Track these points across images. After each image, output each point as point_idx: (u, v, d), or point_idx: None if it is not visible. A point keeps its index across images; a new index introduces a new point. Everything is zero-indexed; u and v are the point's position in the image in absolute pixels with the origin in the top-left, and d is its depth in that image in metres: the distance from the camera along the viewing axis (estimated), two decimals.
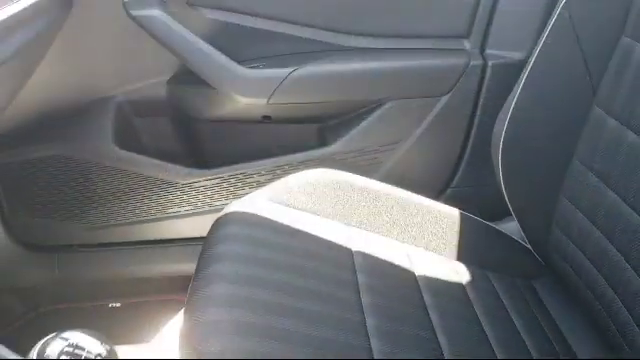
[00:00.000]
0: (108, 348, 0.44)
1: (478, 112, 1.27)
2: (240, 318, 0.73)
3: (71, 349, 0.42)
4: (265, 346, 0.69)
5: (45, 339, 0.43)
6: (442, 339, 0.80)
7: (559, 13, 0.96)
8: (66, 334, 0.44)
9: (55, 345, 0.42)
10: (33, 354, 0.42)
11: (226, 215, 0.95)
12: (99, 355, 0.43)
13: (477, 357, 0.80)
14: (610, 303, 0.82)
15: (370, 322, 0.78)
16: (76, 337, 0.43)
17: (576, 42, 0.94)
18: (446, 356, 0.77)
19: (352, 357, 0.71)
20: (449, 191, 1.35)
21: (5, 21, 0.70)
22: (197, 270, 0.86)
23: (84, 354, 0.42)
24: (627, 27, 0.87)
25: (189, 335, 0.72)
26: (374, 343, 0.75)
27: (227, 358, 0.67)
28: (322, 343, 0.72)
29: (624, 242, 0.80)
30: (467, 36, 1.24)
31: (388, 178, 1.17)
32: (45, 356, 0.41)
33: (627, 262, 0.78)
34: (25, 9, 0.76)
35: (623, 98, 0.85)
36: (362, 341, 0.74)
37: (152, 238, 1.34)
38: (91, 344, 0.43)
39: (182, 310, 0.82)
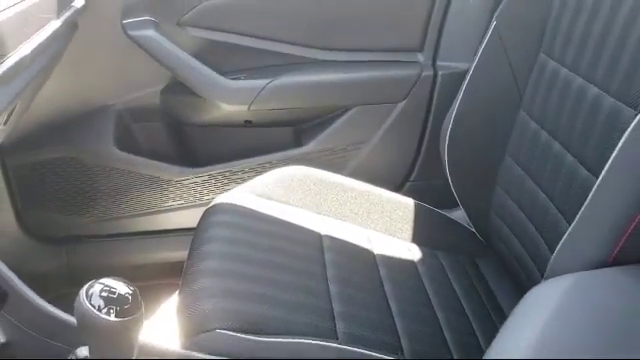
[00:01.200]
0: (132, 289, 0.59)
1: (430, 116, 1.40)
2: (226, 286, 0.88)
3: (107, 288, 0.56)
4: (246, 307, 0.84)
5: (87, 285, 0.58)
6: (392, 303, 0.95)
7: (491, 32, 1.11)
8: (101, 280, 0.58)
9: (96, 287, 0.57)
10: (82, 294, 0.56)
11: (214, 206, 1.10)
12: (128, 293, 0.58)
13: (422, 317, 0.96)
14: (531, 274, 0.98)
15: (333, 289, 0.93)
16: (108, 282, 0.58)
17: (505, 57, 1.10)
18: (394, 316, 0.93)
19: (317, 316, 0.87)
20: (407, 184, 1.47)
21: (35, 47, 0.85)
22: (191, 250, 1.01)
23: (117, 291, 0.57)
24: (543, 45, 1.03)
25: (185, 299, 0.88)
26: (335, 306, 0.89)
27: (218, 316, 0.82)
28: (293, 305, 0.87)
29: (540, 222, 0.96)
30: (420, 50, 1.38)
31: (354, 174, 1.31)
32: (90, 293, 0.56)
33: (544, 241, 0.94)
34: (48, 37, 0.91)
35: (539, 105, 1.01)
36: (326, 304, 0.89)
37: (149, 229, 1.45)
38: (120, 286, 0.58)
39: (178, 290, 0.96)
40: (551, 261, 0.77)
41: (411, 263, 1.09)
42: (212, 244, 0.98)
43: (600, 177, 0.73)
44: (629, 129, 0.71)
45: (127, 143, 1.40)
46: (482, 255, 1.18)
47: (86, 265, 1.41)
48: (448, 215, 1.28)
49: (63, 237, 1.40)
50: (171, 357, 0.71)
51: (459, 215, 1.27)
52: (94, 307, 0.53)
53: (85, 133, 1.35)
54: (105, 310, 0.53)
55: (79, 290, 0.82)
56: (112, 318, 0.53)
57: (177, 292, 0.96)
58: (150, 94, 1.38)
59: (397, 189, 1.40)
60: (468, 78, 1.14)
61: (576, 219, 0.75)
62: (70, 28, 1.11)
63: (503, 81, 1.09)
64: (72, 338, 0.73)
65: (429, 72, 1.37)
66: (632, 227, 0.68)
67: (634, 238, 0.68)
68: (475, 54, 1.14)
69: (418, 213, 1.24)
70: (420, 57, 1.39)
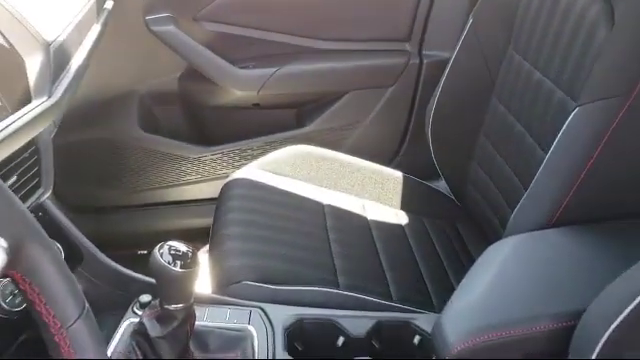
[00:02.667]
0: (191, 248, 0.76)
1: (417, 99, 1.55)
2: (248, 247, 1.07)
3: (174, 248, 0.74)
4: (266, 263, 1.03)
5: (158, 245, 0.75)
6: (383, 259, 1.13)
7: (468, 28, 1.26)
8: (168, 242, 0.75)
9: (165, 247, 0.75)
10: (156, 252, 0.74)
11: (232, 180, 1.27)
12: (188, 251, 0.76)
13: (407, 270, 1.14)
14: (499, 235, 1.16)
15: (334, 249, 1.12)
16: (173, 243, 0.75)
17: (480, 50, 1.25)
18: (385, 269, 1.11)
19: (322, 270, 1.06)
20: (396, 159, 1.63)
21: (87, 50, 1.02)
22: (215, 218, 1.19)
23: (181, 250, 0.75)
24: (512, 41, 1.20)
25: (215, 258, 1.07)
26: (337, 262, 1.08)
27: (243, 271, 1.01)
28: (303, 262, 1.06)
29: (506, 191, 1.14)
30: (408, 40, 1.53)
31: (350, 150, 1.46)
32: (161, 252, 0.74)
33: (508, 207, 1.11)
34: (93, 40, 1.09)
35: (507, 93, 1.18)
36: (329, 260, 1.08)
37: (170, 200, 1.60)
38: (182, 246, 0.75)
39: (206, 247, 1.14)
40: (509, 223, 0.97)
41: (399, 227, 1.27)
42: (233, 213, 1.16)
43: (547, 156, 0.92)
44: (569, 118, 0.89)
45: (149, 124, 1.55)
46: (461, 220, 1.34)
47: (115, 232, 1.55)
48: (432, 185, 1.44)
49: (95, 207, 1.55)
50: (215, 302, 0.91)
51: (441, 185, 1.43)
52: (166, 262, 0.72)
53: (113, 116, 1.50)
54: (173, 264, 0.72)
55: (109, 254, 1.00)
56: (179, 270, 0.72)
57: (206, 253, 1.15)
58: (169, 81, 1.53)
59: (388, 163, 1.54)
60: (448, 67, 1.29)
61: (528, 189, 0.94)
62: (104, 27, 1.28)
63: (478, 71, 1.24)
64: (133, 288, 0.92)
65: (416, 60, 1.52)
66: (568, 197, 0.87)
67: (571, 206, 0.87)
68: (455, 46, 1.30)
69: (406, 184, 1.41)
70: (408, 46, 1.54)
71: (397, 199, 1.36)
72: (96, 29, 1.13)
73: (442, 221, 1.33)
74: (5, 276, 0.46)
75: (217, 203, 1.23)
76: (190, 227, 1.57)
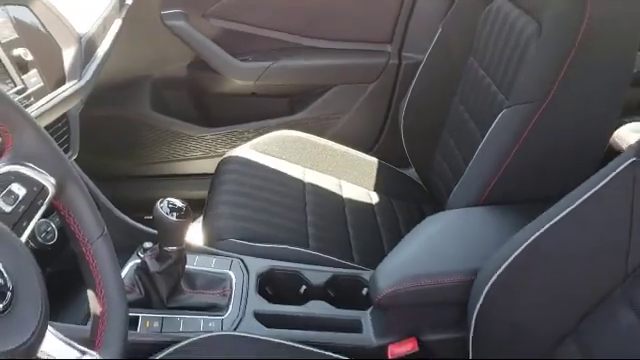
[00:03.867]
0: (185, 204, 0.96)
1: (395, 95, 1.72)
2: (236, 212, 1.27)
3: (171, 203, 0.94)
4: (250, 225, 1.23)
5: (159, 200, 0.95)
6: (351, 230, 1.32)
7: (438, 36, 1.44)
8: (167, 198, 0.95)
9: (165, 202, 0.95)
10: (158, 205, 0.94)
11: (227, 158, 1.46)
12: (182, 206, 0.96)
13: (371, 241, 1.32)
14: None
15: (309, 219, 1.31)
16: (171, 199, 0.95)
17: (447, 55, 1.43)
18: (351, 238, 1.30)
19: (297, 234, 1.26)
20: (375, 147, 1.80)
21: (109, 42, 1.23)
22: (211, 188, 1.38)
23: (176, 205, 0.95)
24: (472, 50, 1.39)
25: (208, 219, 1.27)
26: (309, 229, 1.27)
27: (230, 231, 1.22)
28: (281, 226, 1.25)
29: (458, 176, 1.33)
30: (390, 42, 1.71)
31: (333, 137, 1.62)
32: (162, 205, 0.94)
33: None
34: (115, 32, 1.29)
35: (466, 94, 1.36)
36: (303, 227, 1.27)
37: (174, 173, 1.78)
38: (178, 202, 0.96)
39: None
40: (447, 202, 1.17)
41: (369, 205, 1.45)
42: (226, 185, 1.36)
43: (479, 147, 1.12)
44: (498, 117, 1.09)
45: (160, 106, 1.74)
46: (426, 202, 1.51)
47: (125, 198, 1.68)
48: (403, 172, 1.62)
49: (109, 176, 1.67)
50: (203, 252, 1.11)
51: (412, 173, 1.61)
52: (165, 213, 0.93)
53: (129, 97, 1.68)
54: (170, 215, 0.93)
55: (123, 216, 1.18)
56: (174, 219, 0.93)
57: (201, 217, 1.35)
58: (179, 68, 1.72)
59: (366, 151, 1.68)
60: (420, 69, 1.47)
61: (463, 175, 1.14)
62: (125, 20, 1.48)
63: (444, 74, 1.42)
64: (138, 237, 1.12)
65: (395, 60, 1.70)
66: (492, 184, 1.07)
67: (494, 190, 1.07)
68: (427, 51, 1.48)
69: (380, 170, 1.58)
70: (389, 48, 1.71)
71: (371, 182, 1.54)
72: (118, 23, 1.34)
73: (409, 203, 1.50)
74: (51, 205, 0.67)
75: (213, 176, 1.43)
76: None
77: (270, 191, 1.38)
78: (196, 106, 1.80)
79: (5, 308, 0.49)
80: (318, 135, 1.60)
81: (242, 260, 1.11)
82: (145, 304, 0.98)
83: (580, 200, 0.75)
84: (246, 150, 1.49)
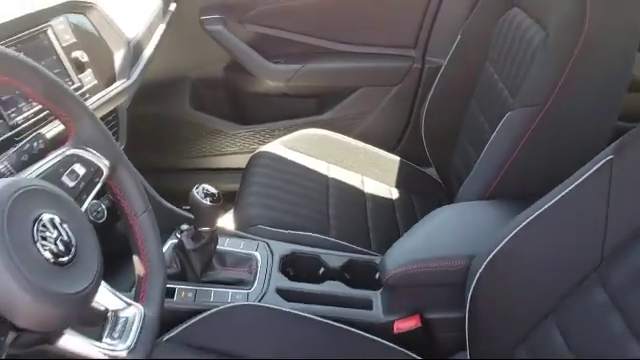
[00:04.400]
0: (217, 191, 1.08)
1: (418, 97, 1.81)
2: (265, 202, 1.39)
3: (205, 188, 1.06)
4: (277, 214, 1.34)
5: (195, 186, 1.07)
6: (370, 221, 1.42)
7: (457, 43, 1.53)
8: (201, 185, 1.07)
9: (200, 187, 1.08)
10: (194, 191, 1.06)
11: (258, 153, 1.58)
12: (215, 192, 1.08)
13: (388, 232, 1.42)
14: None
15: (331, 211, 1.42)
16: (205, 185, 1.07)
17: (464, 61, 1.51)
18: (370, 230, 1.41)
19: (320, 223, 1.37)
20: (398, 147, 1.88)
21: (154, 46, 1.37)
22: (242, 180, 1.51)
23: (210, 190, 1.07)
24: (488, 55, 1.48)
25: (239, 208, 1.40)
26: (332, 220, 1.39)
27: (259, 218, 1.33)
28: (302, 216, 1.36)
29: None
30: (414, 47, 1.80)
31: (359, 136, 1.72)
32: (197, 190, 1.07)
33: None
34: (160, 36, 1.43)
35: (482, 97, 1.44)
36: (325, 218, 1.38)
37: (211, 167, 1.90)
38: (211, 188, 1.08)
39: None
40: (456, 196, 1.27)
41: (390, 201, 1.55)
42: (257, 178, 1.48)
43: (485, 147, 1.21)
44: (503, 119, 1.18)
45: (198, 104, 1.87)
46: (444, 200, 1.57)
47: (165, 189, 1.87)
48: (424, 170, 1.71)
49: (151, 168, 1.72)
50: (234, 235, 1.24)
51: (431, 171, 1.69)
52: (199, 197, 1.05)
53: (170, 96, 1.81)
54: (205, 199, 1.05)
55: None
56: (208, 203, 1.05)
57: (232, 208, 1.47)
58: (216, 70, 1.84)
59: (389, 150, 1.75)
60: (440, 73, 1.56)
61: (471, 172, 1.24)
62: (168, 25, 1.62)
63: (463, 78, 1.50)
64: (177, 220, 1.25)
65: (419, 65, 1.79)
66: (498, 177, 1.16)
67: (499, 184, 1.16)
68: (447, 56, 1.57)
69: (401, 168, 1.68)
70: (413, 52, 1.81)
71: (392, 179, 1.64)
72: (162, 28, 1.48)
73: (428, 199, 1.58)
74: (104, 184, 0.79)
75: (245, 170, 1.54)
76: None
77: (296, 184, 1.49)
78: (231, 105, 1.93)
79: (70, 260, 0.62)
80: (344, 134, 1.70)
81: (267, 244, 1.23)
82: (181, 277, 1.11)
83: (562, 193, 0.84)
84: (276, 146, 1.61)
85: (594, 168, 0.83)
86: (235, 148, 1.91)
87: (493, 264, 0.90)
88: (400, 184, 1.63)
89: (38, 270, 0.58)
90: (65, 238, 0.62)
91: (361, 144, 1.69)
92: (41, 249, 0.60)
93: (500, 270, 0.91)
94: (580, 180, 0.84)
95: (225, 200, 1.49)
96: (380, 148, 1.71)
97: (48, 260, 0.60)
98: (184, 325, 0.99)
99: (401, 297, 1.07)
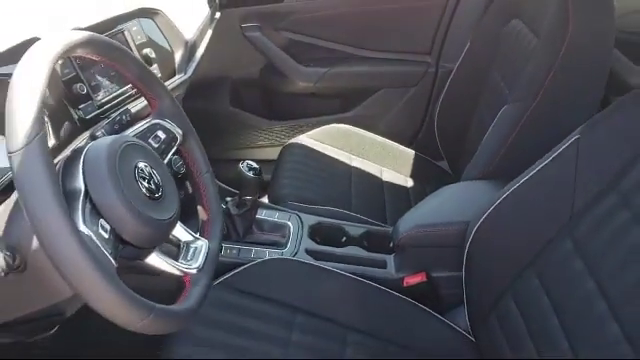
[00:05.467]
0: (259, 165, 1.31)
1: (432, 99, 2.01)
2: (295, 184, 1.60)
3: (249, 164, 1.28)
4: (302, 192, 1.57)
5: (240, 162, 1.29)
6: (387, 204, 1.63)
7: (467, 49, 1.74)
8: (245, 160, 1.30)
9: (244, 163, 1.30)
10: (240, 165, 1.29)
11: (289, 144, 1.79)
12: (256, 167, 1.30)
13: (402, 211, 1.64)
14: None
15: (353, 192, 1.63)
16: (248, 161, 1.29)
17: (473, 66, 1.71)
18: (386, 208, 1.63)
19: (342, 201, 1.58)
20: (414, 142, 2.08)
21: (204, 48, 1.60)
22: (275, 169, 1.72)
23: (252, 165, 1.29)
24: (494, 60, 1.68)
25: (273, 188, 1.61)
26: (353, 199, 1.60)
27: (291, 196, 1.56)
28: (328, 195, 1.58)
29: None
30: (429, 53, 2.01)
31: (378, 132, 1.92)
32: (243, 165, 1.29)
33: None
34: (208, 41, 1.67)
35: (488, 101, 1.64)
36: (348, 197, 1.60)
37: (245, 158, 2.07)
38: (253, 163, 1.31)
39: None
40: (461, 178, 1.47)
41: (405, 188, 1.75)
42: (288, 165, 1.69)
43: (485, 136, 1.42)
44: (499, 112, 1.38)
45: (236, 101, 2.09)
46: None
47: None
48: (436, 163, 1.91)
49: None
50: (270, 207, 1.46)
51: (443, 164, 1.88)
52: (244, 170, 1.28)
53: (213, 93, 2.03)
54: (249, 172, 1.28)
55: None
56: (252, 175, 1.28)
57: (268, 189, 1.69)
58: (253, 71, 2.07)
59: (406, 145, 1.94)
60: (451, 77, 1.77)
61: (472, 159, 1.44)
62: (214, 31, 1.86)
63: (471, 81, 1.69)
64: (224, 195, 1.47)
65: (433, 69, 2.00)
66: (495, 160, 1.36)
67: (495, 166, 1.37)
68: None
69: (416, 161, 1.88)
70: (428, 58, 2.02)
71: (408, 170, 1.84)
72: (209, 33, 1.72)
73: (439, 188, 1.77)
74: (176, 150, 1.02)
75: (277, 159, 1.76)
76: None
77: (322, 170, 1.71)
78: (265, 103, 2.15)
79: (159, 197, 0.84)
80: (365, 130, 1.91)
81: (298, 215, 1.45)
82: (227, 238, 1.33)
83: (538, 167, 1.05)
84: (304, 139, 1.82)
85: (564, 146, 1.03)
86: (267, 142, 2.13)
87: (483, 227, 1.11)
88: (414, 175, 1.83)
89: (139, 201, 0.80)
90: (155, 181, 0.85)
91: (380, 139, 1.90)
92: (140, 186, 0.82)
93: (488, 232, 1.11)
94: (552, 156, 1.04)
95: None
96: (398, 143, 1.92)
97: (145, 195, 0.82)
98: (231, 273, 1.21)
99: (410, 257, 1.28)
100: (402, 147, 1.92)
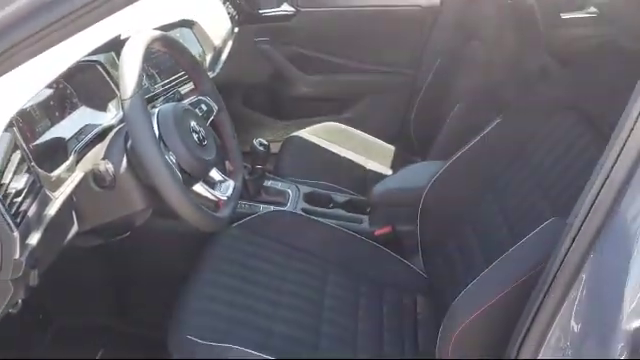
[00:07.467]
0: (268, 143, 1.72)
1: (410, 103, 2.41)
2: (294, 165, 2.03)
3: (260, 142, 1.71)
4: (302, 171, 2.00)
5: (253, 139, 1.70)
6: (367, 181, 2.08)
7: (438, 62, 2.19)
8: (258, 139, 1.70)
9: (257, 140, 1.71)
10: (252, 142, 1.69)
11: (289, 138, 2.20)
12: (267, 144, 1.72)
13: None
14: None
15: (341, 174, 2.07)
16: (259, 139, 1.72)
17: (443, 76, 2.17)
18: (367, 186, 2.05)
19: (332, 179, 2.00)
20: (395, 138, 2.43)
21: None
22: (279, 153, 2.13)
23: (263, 142, 1.71)
24: (459, 91, 2.11)
25: (277, 169, 2.03)
26: (341, 177, 2.04)
27: (291, 171, 1.97)
28: (321, 174, 2.01)
29: None
30: (409, 67, 2.43)
31: (366, 130, 2.32)
32: (254, 142, 1.69)
33: None
34: (228, 47, 2.10)
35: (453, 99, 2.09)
36: (336, 176, 2.03)
37: None
38: (263, 141, 1.71)
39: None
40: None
41: (385, 175, 2.18)
42: (289, 150, 2.12)
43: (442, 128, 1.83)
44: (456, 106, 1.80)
45: (249, 103, 2.51)
46: None
47: None
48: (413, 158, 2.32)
49: None
50: (274, 179, 1.87)
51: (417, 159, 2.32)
52: (256, 145, 1.68)
53: (228, 95, 2.31)
54: (260, 147, 1.69)
55: None
56: (262, 149, 1.69)
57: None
58: (264, 77, 2.48)
59: (388, 141, 2.36)
60: (425, 85, 2.21)
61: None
62: (233, 42, 2.28)
63: (440, 89, 2.17)
64: None
65: (411, 79, 2.42)
66: (449, 144, 1.78)
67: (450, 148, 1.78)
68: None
69: (395, 154, 2.30)
70: (408, 71, 2.44)
71: (389, 162, 2.25)
72: (230, 43, 2.14)
73: None
74: (212, 121, 1.42)
75: (281, 146, 2.17)
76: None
77: (317, 156, 2.13)
78: (272, 105, 2.58)
79: (205, 145, 1.25)
80: (354, 128, 2.33)
81: (296, 185, 1.86)
82: (241, 197, 1.73)
83: (469, 145, 1.45)
84: (304, 133, 2.23)
85: (490, 127, 1.44)
86: (272, 137, 2.50)
87: (431, 191, 1.50)
88: (393, 165, 2.24)
89: (192, 144, 1.21)
90: (202, 134, 1.25)
91: (367, 136, 2.32)
92: (194, 136, 1.23)
93: (435, 194, 1.50)
94: (481, 134, 1.45)
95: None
96: (381, 139, 2.34)
97: (195, 141, 1.23)
98: (244, 220, 1.61)
99: (380, 214, 1.69)
100: (384, 143, 2.34)
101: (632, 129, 0.73)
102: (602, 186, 0.76)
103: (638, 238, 0.73)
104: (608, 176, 0.76)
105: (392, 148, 2.33)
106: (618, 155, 0.74)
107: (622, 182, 0.74)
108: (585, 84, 1.31)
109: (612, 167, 0.75)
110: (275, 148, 2.29)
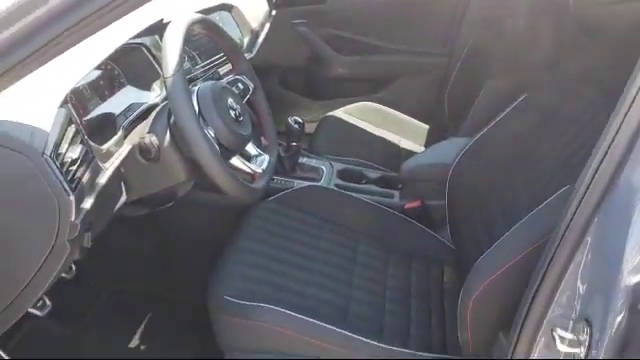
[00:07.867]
0: (303, 121, 1.80)
1: (444, 82, 2.44)
2: (330, 144, 2.11)
3: (295, 120, 1.78)
4: (336, 148, 2.07)
5: (288, 117, 1.78)
6: (401, 160, 2.14)
7: (472, 41, 2.22)
8: (293, 117, 1.79)
9: (292, 118, 1.79)
10: (288, 120, 1.77)
11: (325, 117, 2.29)
12: (302, 122, 1.80)
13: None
14: None
15: (375, 148, 2.13)
16: (294, 117, 1.80)
17: (476, 54, 2.20)
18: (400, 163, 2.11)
19: (364, 157, 2.06)
20: (430, 117, 2.49)
21: None
22: (314, 132, 2.22)
23: (299, 120, 1.78)
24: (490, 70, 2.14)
25: (312, 148, 2.11)
26: (375, 155, 2.10)
27: (325, 150, 2.05)
28: (355, 153, 2.08)
29: None
30: (443, 46, 2.45)
31: (400, 109, 2.39)
32: (290, 120, 1.78)
33: None
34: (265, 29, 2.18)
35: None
36: (369, 153, 2.10)
37: None
38: (298, 119, 1.80)
39: None
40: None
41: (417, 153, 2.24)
42: (325, 129, 2.20)
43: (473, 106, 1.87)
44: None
45: (285, 84, 2.59)
46: None
47: None
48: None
49: None
50: (309, 156, 1.95)
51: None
52: (292, 123, 1.76)
53: (265, 76, 2.43)
54: (295, 125, 1.76)
55: None
56: (297, 127, 1.76)
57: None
58: (301, 59, 2.55)
59: (422, 120, 2.44)
60: (458, 65, 2.23)
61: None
62: (271, 25, 2.36)
63: (473, 69, 2.20)
64: None
65: (445, 59, 2.43)
66: (478, 122, 1.82)
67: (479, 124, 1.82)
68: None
69: (429, 133, 2.36)
70: (441, 50, 2.46)
71: (422, 141, 2.32)
72: (267, 26, 2.22)
73: None
74: (248, 99, 1.51)
75: (317, 125, 2.26)
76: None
77: (353, 136, 2.21)
78: (309, 85, 2.65)
79: (241, 121, 1.33)
80: (389, 107, 2.39)
81: (330, 162, 1.93)
82: (277, 173, 1.82)
83: (492, 124, 1.50)
84: (339, 113, 2.32)
85: (516, 102, 1.48)
86: (308, 117, 2.56)
87: (457, 167, 1.56)
88: (427, 144, 2.30)
89: (230, 119, 1.30)
90: (238, 111, 1.34)
91: (402, 115, 2.38)
92: (231, 113, 1.31)
93: (462, 170, 1.55)
94: (507, 111, 1.49)
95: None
96: (415, 118, 2.39)
97: (232, 117, 1.31)
98: (279, 194, 1.70)
99: (410, 189, 1.75)
100: (419, 122, 2.40)
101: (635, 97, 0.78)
102: (606, 153, 0.81)
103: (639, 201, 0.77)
104: (611, 144, 0.80)
105: (426, 127, 2.39)
106: (620, 124, 0.79)
107: (624, 149, 0.79)
108: (612, 59, 1.33)
109: (615, 136, 0.80)
110: (310, 128, 2.39)
